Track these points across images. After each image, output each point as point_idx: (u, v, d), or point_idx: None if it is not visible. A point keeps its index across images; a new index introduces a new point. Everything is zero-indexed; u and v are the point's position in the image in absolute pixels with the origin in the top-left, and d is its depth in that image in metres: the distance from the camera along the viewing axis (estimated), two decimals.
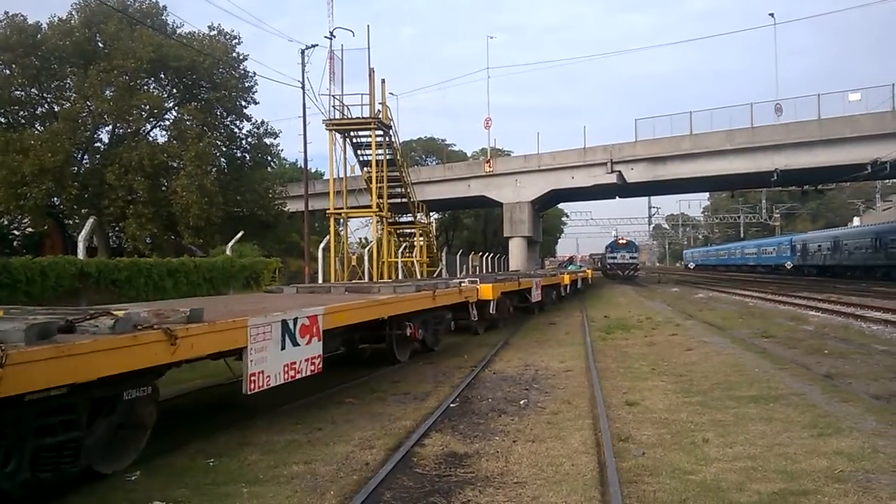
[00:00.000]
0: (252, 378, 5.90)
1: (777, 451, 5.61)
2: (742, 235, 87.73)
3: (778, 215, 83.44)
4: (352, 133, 28.53)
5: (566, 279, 25.56)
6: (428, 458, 5.76)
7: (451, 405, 7.81)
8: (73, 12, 30.35)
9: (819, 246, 48.57)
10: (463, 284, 13.04)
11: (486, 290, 13.59)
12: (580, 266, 47.60)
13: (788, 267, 53.28)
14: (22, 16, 29.09)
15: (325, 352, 7.35)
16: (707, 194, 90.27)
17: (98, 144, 30.67)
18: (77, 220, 30.14)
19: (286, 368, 6.34)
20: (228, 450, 5.96)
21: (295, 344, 6.47)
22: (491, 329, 15.47)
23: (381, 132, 27.84)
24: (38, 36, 29.05)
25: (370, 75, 27.51)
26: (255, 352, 5.94)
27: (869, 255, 39.43)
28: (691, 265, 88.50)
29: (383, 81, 28.36)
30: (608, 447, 5.74)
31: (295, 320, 6.51)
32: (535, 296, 18.41)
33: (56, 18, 30.03)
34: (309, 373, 6.72)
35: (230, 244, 18.35)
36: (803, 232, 59.51)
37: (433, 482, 5.17)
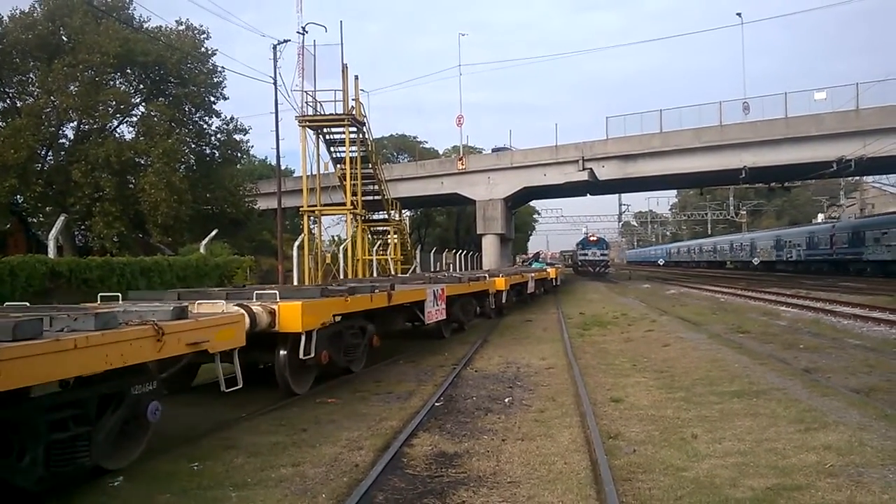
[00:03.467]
0: None
1: (766, 447, 5.65)
2: (709, 232, 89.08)
3: (744, 212, 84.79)
4: (325, 129, 28.26)
5: (499, 284, 17.44)
6: (418, 458, 5.68)
7: (436, 404, 7.74)
8: (36, 5, 29.42)
9: (674, 250, 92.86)
10: (161, 323, 5.32)
11: (292, 314, 7.38)
12: (543, 264, 45.00)
13: (661, 263, 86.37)
14: None
15: None
16: (676, 191, 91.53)
17: (63, 141, 29.86)
18: (42, 219, 29.39)
19: None
20: (213, 453, 5.81)
21: None
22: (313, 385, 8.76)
23: (354, 129, 27.61)
24: None
25: (343, 71, 27.26)
26: None
27: (686, 256, 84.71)
28: (661, 262, 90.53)
29: (356, 77, 28.15)
30: (598, 445, 5.71)
31: None
32: (434, 314, 11.99)
33: (18, 11, 29.10)
34: None
35: (204, 242, 18.01)
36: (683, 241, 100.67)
37: (425, 483, 5.09)
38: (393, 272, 29.36)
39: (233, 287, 11.42)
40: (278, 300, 7.61)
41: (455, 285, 14.23)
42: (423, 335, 13.17)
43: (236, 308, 6.89)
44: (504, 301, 17.97)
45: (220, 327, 6.09)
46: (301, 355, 7.60)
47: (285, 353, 7.75)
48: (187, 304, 6.49)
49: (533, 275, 23.74)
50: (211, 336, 5.88)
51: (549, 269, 31.12)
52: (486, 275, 18.48)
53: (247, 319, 6.82)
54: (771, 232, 59.76)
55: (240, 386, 6.36)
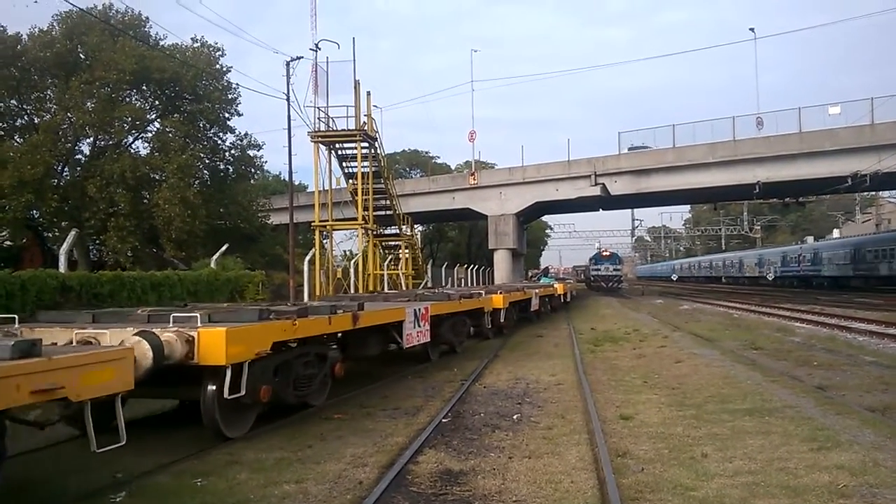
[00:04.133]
0: None
1: (778, 466, 5.54)
2: (723, 248, 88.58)
3: (759, 227, 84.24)
4: (337, 145, 28.42)
5: (497, 301, 16.16)
6: (423, 475, 5.61)
7: (443, 420, 7.67)
8: (55, 23, 29.97)
9: (677, 266, 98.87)
10: None
11: (214, 343, 6.16)
12: (552, 279, 42.21)
13: (674, 279, 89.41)
14: (1, 26, 28.74)
15: None
16: (689, 207, 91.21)
17: (79, 156, 30.20)
18: (57, 233, 29.66)
19: None
20: (216, 468, 5.78)
21: None
22: None
23: (366, 144, 27.76)
24: (18, 47, 28.64)
25: (356, 87, 27.47)
26: None
27: (687, 272, 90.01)
28: (674, 277, 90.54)
29: (368, 93, 28.35)
30: (606, 463, 5.62)
31: None
32: (415, 336, 10.74)
33: (37, 29, 29.66)
34: None
35: (215, 257, 18.10)
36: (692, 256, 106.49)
37: (429, 501, 5.03)
38: (404, 287, 29.36)
39: (169, 306, 9.35)
40: (199, 325, 6.30)
41: (443, 303, 12.76)
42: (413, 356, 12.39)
43: (136, 338, 5.64)
44: (503, 320, 16.68)
45: (88, 367, 4.67)
46: (226, 394, 6.20)
47: (213, 388, 6.34)
48: (34, 335, 5.34)
49: (537, 291, 22.26)
50: (72, 379, 4.49)
51: (556, 285, 29.37)
52: (483, 291, 16.86)
53: (148, 353, 5.56)
54: (755, 252, 69.18)
55: (123, 443, 4.98)
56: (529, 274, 64.30)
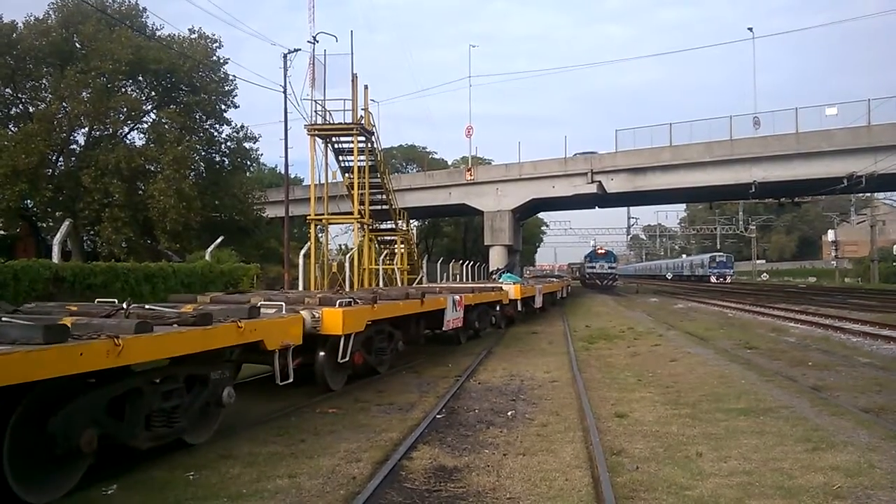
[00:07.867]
0: None
1: (772, 466, 5.53)
2: (718, 247, 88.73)
3: (753, 227, 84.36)
4: (334, 139, 28.28)
5: (330, 322, 8.11)
6: (417, 471, 5.59)
7: (438, 416, 7.65)
8: (51, 12, 29.78)
9: (636, 267, 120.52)
10: None
11: None
12: (515, 277, 26.54)
13: (669, 277, 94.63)
14: None
15: None
16: (684, 205, 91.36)
17: (74, 146, 30.03)
18: (51, 223, 29.54)
19: None
20: (209, 462, 5.74)
21: None
22: None
23: (363, 138, 27.60)
24: (14, 35, 28.44)
25: (353, 80, 27.32)
26: None
27: (648, 271, 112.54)
28: (669, 275, 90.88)
29: (366, 87, 28.14)
30: (601, 461, 5.61)
31: None
32: None
33: (32, 18, 29.47)
34: None
35: (209, 249, 17.98)
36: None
37: (423, 497, 5.01)
38: (399, 282, 29.29)
39: None
40: None
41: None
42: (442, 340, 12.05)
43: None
44: (345, 358, 8.57)
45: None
46: None
47: None
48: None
49: (458, 297, 13.44)
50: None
51: (507, 287, 19.18)
52: (304, 300, 9.11)
53: None
54: (664, 261, 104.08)
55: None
56: (526, 272, 63.64)
